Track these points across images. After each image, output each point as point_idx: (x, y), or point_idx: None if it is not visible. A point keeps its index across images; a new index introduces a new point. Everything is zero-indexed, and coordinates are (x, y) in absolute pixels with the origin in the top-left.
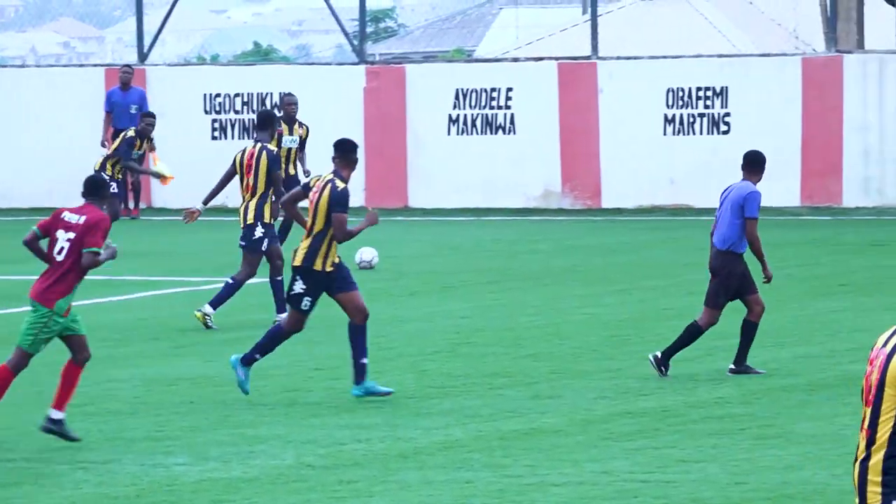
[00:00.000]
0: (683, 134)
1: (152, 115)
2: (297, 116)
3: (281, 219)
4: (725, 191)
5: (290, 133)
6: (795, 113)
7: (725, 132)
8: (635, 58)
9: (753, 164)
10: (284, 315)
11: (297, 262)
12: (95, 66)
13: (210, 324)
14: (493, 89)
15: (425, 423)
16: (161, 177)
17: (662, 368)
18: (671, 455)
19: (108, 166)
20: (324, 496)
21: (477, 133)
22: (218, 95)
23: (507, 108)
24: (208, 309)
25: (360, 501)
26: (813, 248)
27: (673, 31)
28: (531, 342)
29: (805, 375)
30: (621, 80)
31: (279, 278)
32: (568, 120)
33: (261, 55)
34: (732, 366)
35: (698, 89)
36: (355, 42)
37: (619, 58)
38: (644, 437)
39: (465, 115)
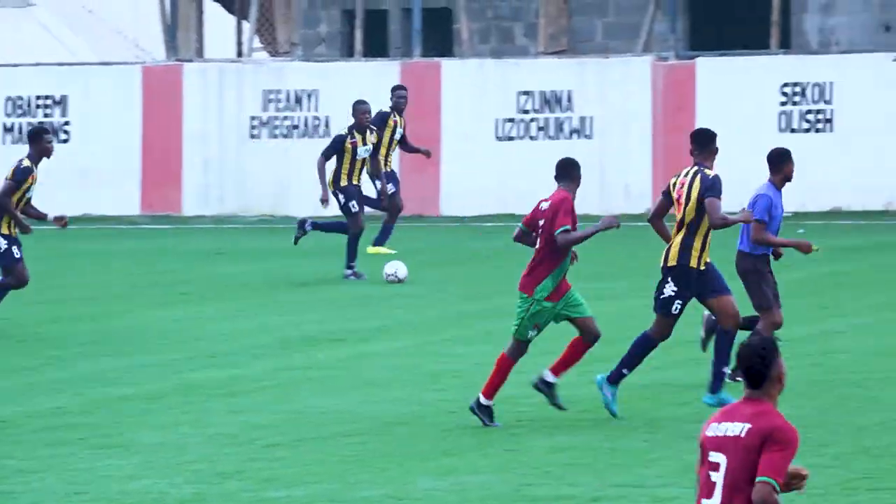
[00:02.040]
0: None
1: (403, 88)
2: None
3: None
4: None
5: (364, 143)
6: (136, 122)
7: (65, 141)
8: None
9: (769, 161)
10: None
11: (672, 262)
12: None
13: None
14: None
15: None
16: None
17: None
18: (9, 466)
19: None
20: None
21: None
22: None
23: None
24: None
25: None
26: (153, 256)
27: (12, 39)
28: None
29: (145, 385)
30: None
31: None
32: None
33: None
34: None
35: (38, 97)
36: None
37: None
38: None
39: None
